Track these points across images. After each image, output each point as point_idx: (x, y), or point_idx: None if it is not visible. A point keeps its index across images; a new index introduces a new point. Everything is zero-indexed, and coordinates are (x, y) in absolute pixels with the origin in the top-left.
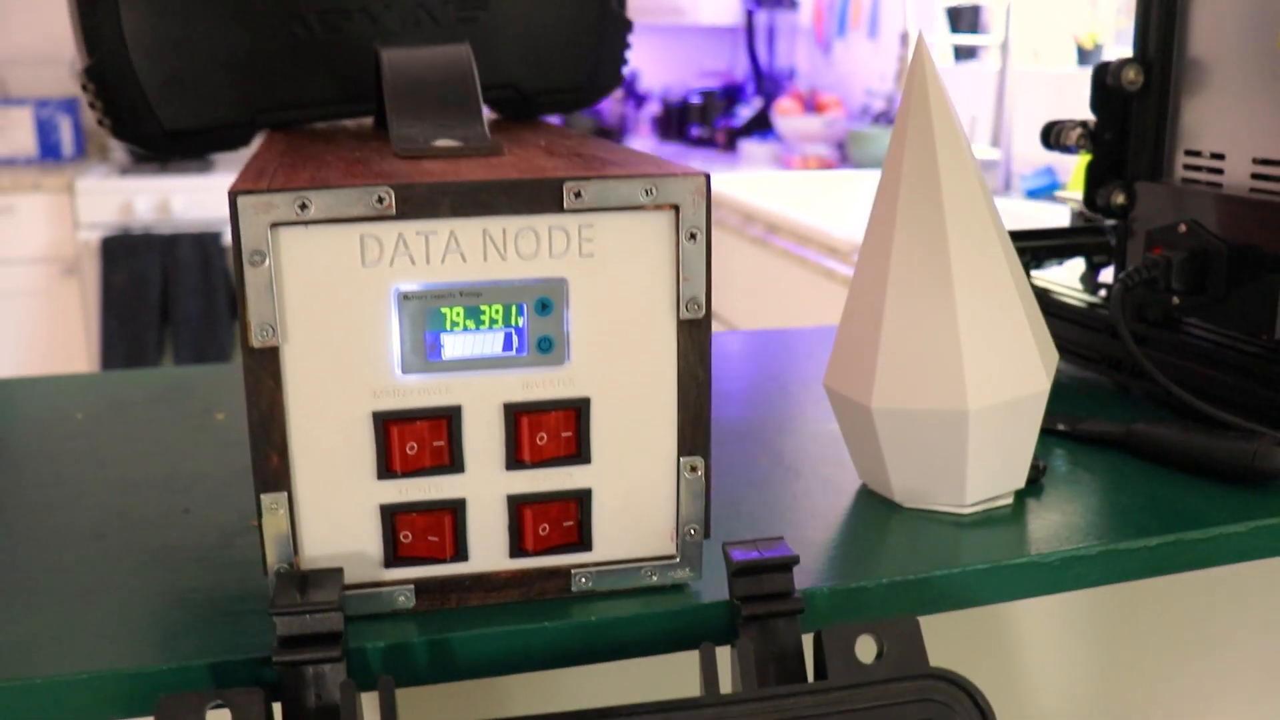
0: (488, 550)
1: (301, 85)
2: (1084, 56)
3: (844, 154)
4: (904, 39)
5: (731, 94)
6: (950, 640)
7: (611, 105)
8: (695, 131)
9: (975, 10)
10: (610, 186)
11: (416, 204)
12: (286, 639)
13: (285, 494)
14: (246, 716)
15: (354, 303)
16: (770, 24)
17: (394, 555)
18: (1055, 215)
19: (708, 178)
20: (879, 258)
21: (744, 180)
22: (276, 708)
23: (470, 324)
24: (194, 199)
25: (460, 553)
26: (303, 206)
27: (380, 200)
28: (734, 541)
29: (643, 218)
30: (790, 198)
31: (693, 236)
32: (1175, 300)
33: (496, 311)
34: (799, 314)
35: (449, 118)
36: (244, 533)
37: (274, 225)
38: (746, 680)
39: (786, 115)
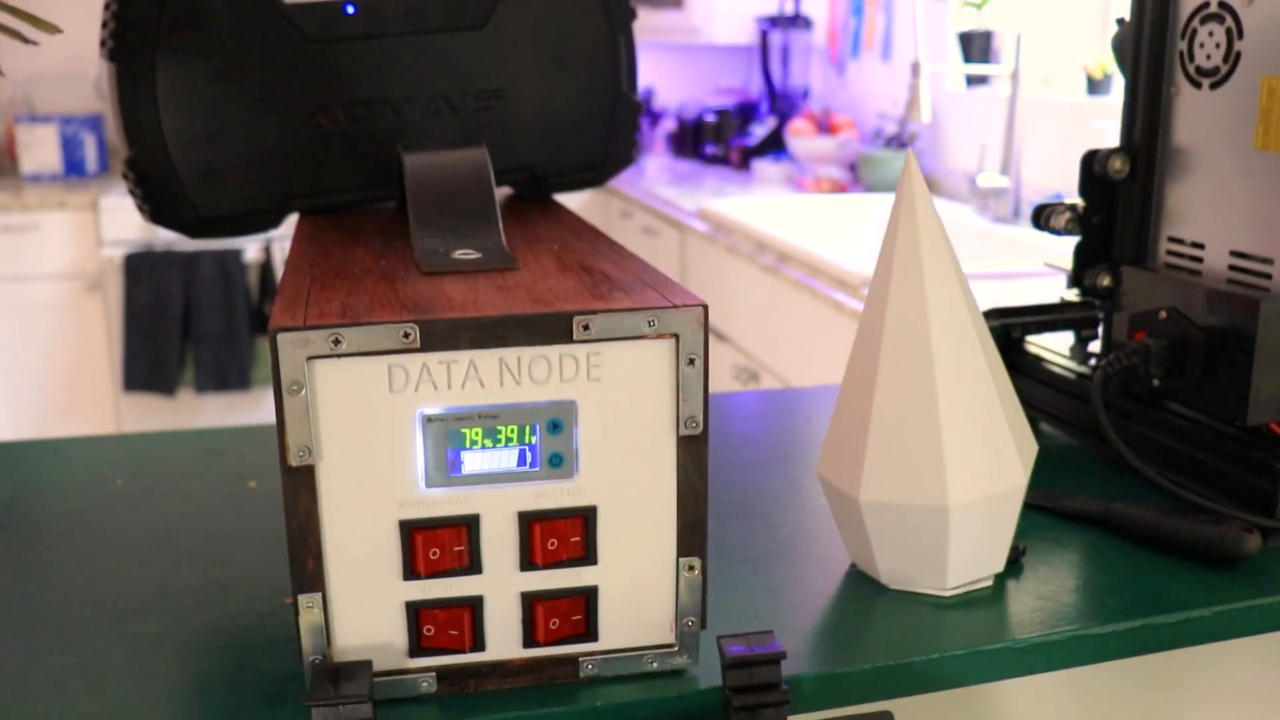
0: (503, 641)
1: (328, 173)
2: (1093, 86)
3: (856, 176)
4: (915, 69)
5: (746, 112)
6: (938, 712)
7: None
8: (710, 149)
9: (987, 36)
10: (616, 319)
11: (439, 338)
12: None
13: (320, 594)
14: None
15: (382, 425)
16: (785, 43)
17: (418, 646)
18: (1062, 244)
19: (705, 308)
20: (868, 360)
21: (756, 205)
22: None
23: (488, 442)
24: None
25: (478, 643)
26: (336, 342)
27: (406, 335)
28: (728, 635)
29: (646, 345)
30: (801, 223)
31: (691, 362)
32: (1156, 383)
33: (512, 431)
34: (807, 342)
35: (468, 229)
36: (279, 611)
37: (310, 358)
38: None
39: (800, 136)
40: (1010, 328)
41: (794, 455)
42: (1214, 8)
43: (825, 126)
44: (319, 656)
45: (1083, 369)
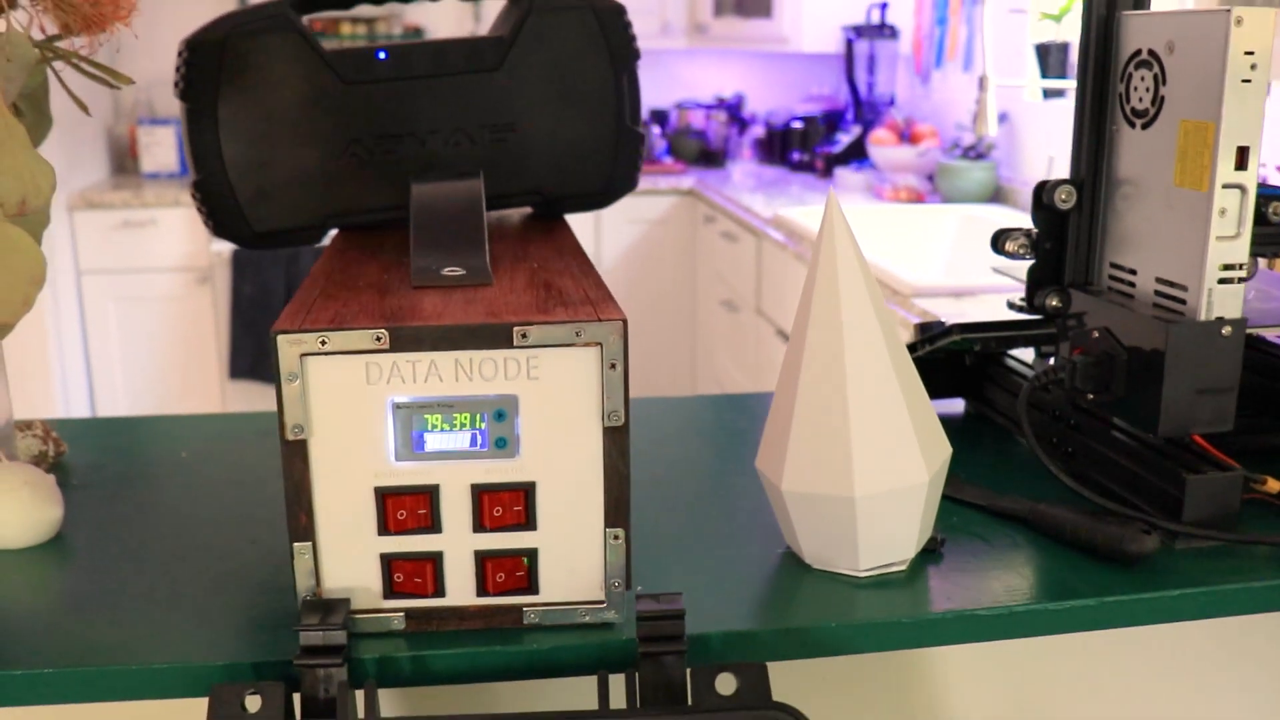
0: (460, 589)
1: (362, 196)
2: None
3: (934, 185)
4: (981, 81)
5: (832, 120)
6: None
7: (716, 129)
8: (795, 156)
9: (1064, 48)
10: (549, 330)
11: (405, 341)
12: (306, 649)
13: (310, 543)
14: (272, 703)
15: (360, 410)
16: (871, 52)
17: (390, 590)
18: None
19: (624, 322)
20: (793, 368)
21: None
22: (297, 699)
23: (446, 426)
24: None
25: (439, 590)
26: (323, 342)
27: (378, 339)
28: (646, 594)
29: (575, 352)
30: (870, 231)
31: (613, 366)
32: (1090, 396)
33: (465, 418)
34: None
35: (458, 249)
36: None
37: (303, 355)
38: (631, 700)
39: (881, 145)
40: (971, 342)
41: None
42: (1144, 55)
43: (907, 135)
44: (310, 594)
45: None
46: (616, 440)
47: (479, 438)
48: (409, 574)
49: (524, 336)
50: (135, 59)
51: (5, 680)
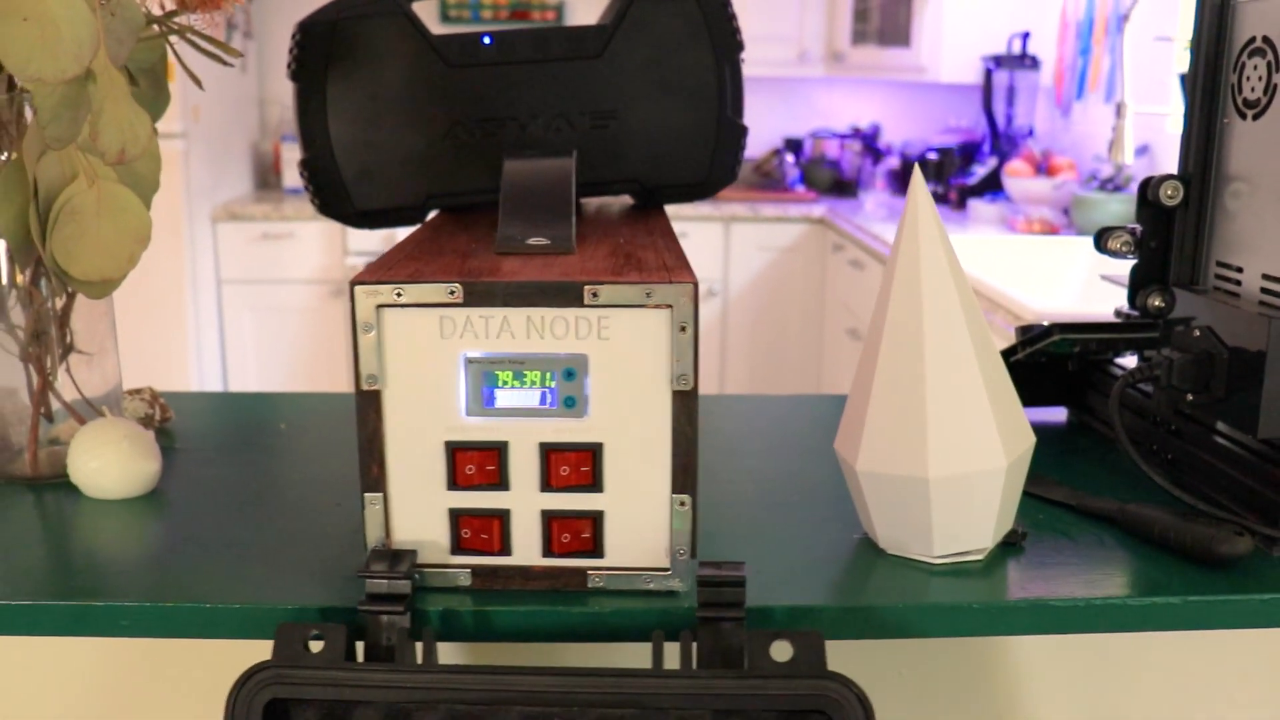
0: (527, 549)
1: (463, 177)
2: None
3: (1070, 218)
4: (1119, 109)
5: (969, 152)
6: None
7: (850, 159)
8: (930, 188)
9: None
10: (619, 290)
11: (478, 296)
12: (371, 595)
13: (381, 494)
14: (333, 645)
15: (433, 363)
16: (1010, 83)
17: (457, 545)
18: None
19: (695, 285)
20: (873, 345)
21: (963, 243)
22: (360, 647)
23: (516, 383)
24: None
25: (505, 548)
26: (398, 294)
27: (452, 292)
28: (709, 561)
29: (645, 313)
30: (995, 262)
31: (683, 329)
32: (1189, 397)
33: (535, 375)
34: None
35: (545, 220)
36: None
37: (378, 306)
38: (685, 663)
39: (1016, 176)
40: (1071, 344)
41: None
42: (1259, 42)
43: (1044, 168)
44: (379, 545)
45: (1145, 387)
46: (685, 404)
47: (548, 396)
48: (476, 530)
49: (594, 296)
50: (281, 79)
51: (90, 611)
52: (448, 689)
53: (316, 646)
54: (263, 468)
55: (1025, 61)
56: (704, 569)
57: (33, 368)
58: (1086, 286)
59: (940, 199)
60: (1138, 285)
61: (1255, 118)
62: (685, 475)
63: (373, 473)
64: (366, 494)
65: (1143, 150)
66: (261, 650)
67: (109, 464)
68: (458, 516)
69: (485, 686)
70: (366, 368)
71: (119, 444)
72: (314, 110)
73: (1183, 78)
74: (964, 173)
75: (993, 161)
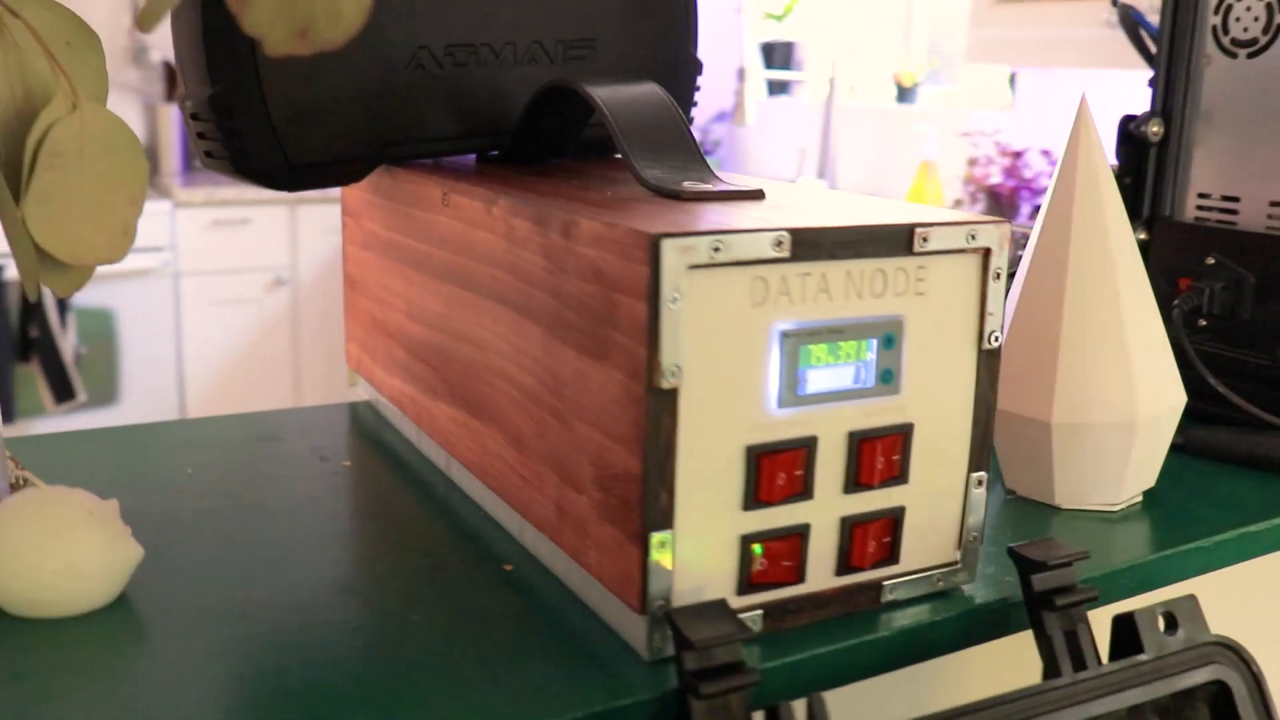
0: (820, 571)
1: (426, 120)
2: (902, 94)
3: None
4: (740, 74)
5: None
6: None
7: None
8: None
9: (789, 46)
10: (949, 232)
11: (805, 247)
12: (698, 672)
13: (670, 532)
14: None
15: (741, 342)
16: None
17: (748, 583)
18: None
19: (1011, 226)
20: (1050, 296)
21: None
22: None
23: (830, 359)
24: None
25: (800, 575)
26: (716, 249)
27: (779, 243)
28: (1019, 544)
29: (963, 259)
30: None
31: (998, 276)
32: (1202, 323)
33: (851, 347)
34: None
35: (681, 163)
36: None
37: (691, 266)
38: (1062, 664)
39: None
40: None
41: None
42: None
43: None
44: (662, 601)
45: None
46: (991, 366)
47: (863, 371)
48: (774, 558)
49: (924, 240)
50: None
51: None
52: None
53: None
54: (240, 542)
55: None
56: (1031, 549)
57: None
58: None
59: None
60: None
61: (1250, 56)
62: (983, 448)
63: (661, 503)
64: (654, 533)
65: None
66: None
67: (80, 558)
68: (750, 543)
69: None
70: (670, 356)
71: (87, 525)
72: (233, 26)
73: (763, 47)
74: None
75: None
